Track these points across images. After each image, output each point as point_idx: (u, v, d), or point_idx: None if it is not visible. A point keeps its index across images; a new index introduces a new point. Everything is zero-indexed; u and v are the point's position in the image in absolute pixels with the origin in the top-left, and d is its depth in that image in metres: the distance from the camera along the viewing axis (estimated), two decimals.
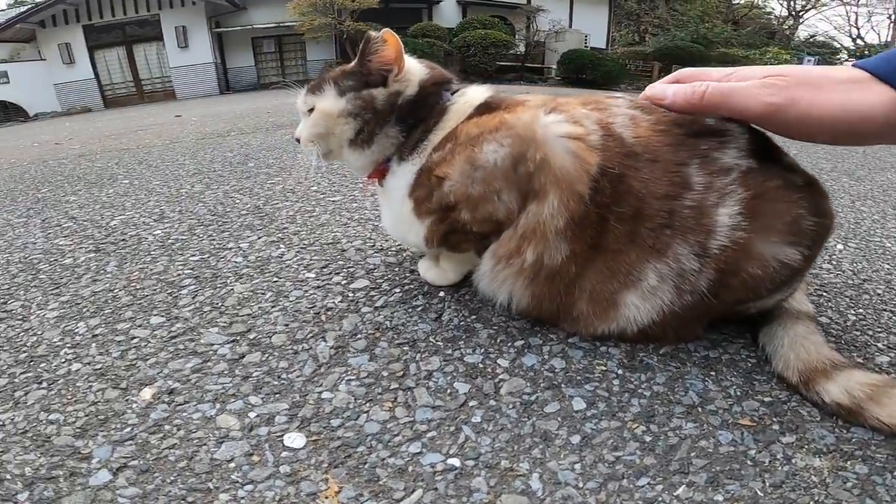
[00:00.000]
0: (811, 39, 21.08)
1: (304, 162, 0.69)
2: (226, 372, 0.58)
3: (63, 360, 0.61)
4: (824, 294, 0.77)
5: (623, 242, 0.54)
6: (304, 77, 13.04)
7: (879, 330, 0.67)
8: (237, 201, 1.23)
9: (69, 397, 0.54)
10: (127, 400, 0.54)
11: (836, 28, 23.86)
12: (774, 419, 0.50)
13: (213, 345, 0.62)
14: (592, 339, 0.61)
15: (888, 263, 0.91)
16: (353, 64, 0.65)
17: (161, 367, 0.59)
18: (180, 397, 0.54)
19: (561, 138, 0.54)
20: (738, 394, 0.53)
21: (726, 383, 0.55)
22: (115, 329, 0.67)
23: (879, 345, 0.63)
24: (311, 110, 0.66)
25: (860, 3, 19.56)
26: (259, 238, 0.95)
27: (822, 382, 0.50)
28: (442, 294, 0.71)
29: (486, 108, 0.62)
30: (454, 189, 0.58)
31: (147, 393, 0.55)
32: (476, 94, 0.66)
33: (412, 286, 0.73)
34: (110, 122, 5.30)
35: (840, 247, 0.98)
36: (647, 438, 0.48)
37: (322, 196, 1.23)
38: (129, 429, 0.50)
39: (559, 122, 0.55)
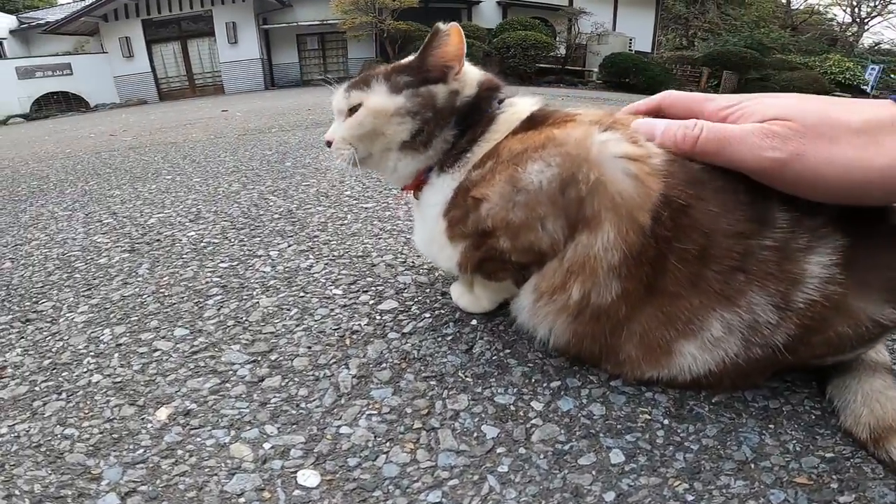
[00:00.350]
0: (876, 47, 19.88)
1: (338, 165, 0.63)
2: (244, 395, 0.56)
3: (85, 369, 0.61)
4: None
5: (684, 286, 0.47)
6: (345, 74, 13.47)
7: None
8: (271, 203, 1.23)
9: (86, 411, 0.54)
10: (143, 419, 0.53)
11: None
12: (834, 476, 0.45)
13: (233, 364, 0.61)
14: (637, 384, 0.55)
15: None
16: (411, 58, 0.60)
17: (180, 384, 0.58)
18: (196, 420, 0.52)
19: (619, 159, 0.48)
20: (798, 449, 0.48)
21: (785, 437, 0.49)
22: (139, 339, 0.67)
23: None
24: (353, 109, 0.61)
25: None
26: (289, 246, 0.94)
27: (894, 441, 0.45)
28: (474, 322, 0.67)
29: (533, 121, 0.57)
30: (493, 213, 0.52)
31: (163, 413, 0.53)
32: (524, 105, 0.60)
33: (443, 311, 0.69)
34: (163, 115, 5.56)
35: None
36: (689, 497, 0.43)
37: (355, 202, 1.22)
38: (141, 451, 0.48)
39: (617, 140, 0.49)
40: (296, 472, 0.46)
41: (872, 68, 12.97)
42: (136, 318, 0.72)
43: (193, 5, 12.38)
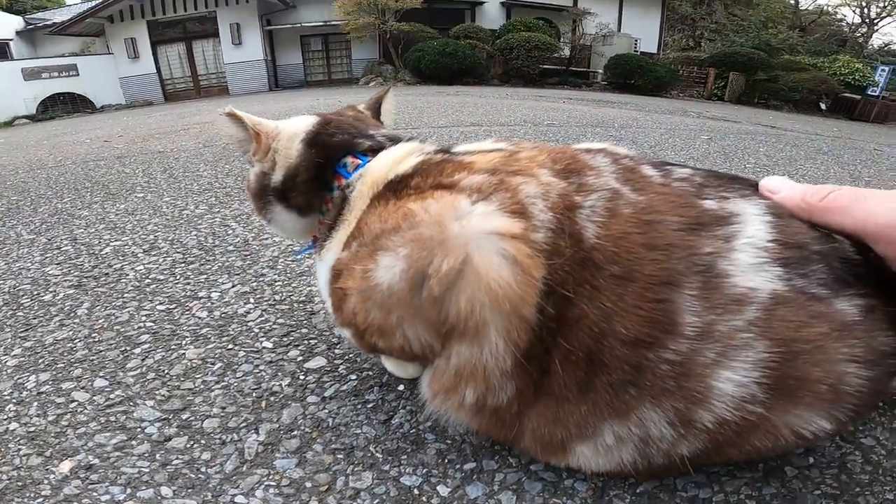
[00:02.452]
0: (886, 48, 20.17)
1: None
2: (146, 454, 0.59)
3: (5, 416, 0.65)
4: (884, 408, 0.65)
5: (572, 390, 0.44)
6: (349, 76, 13.84)
7: None
8: (229, 232, 1.28)
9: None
10: (47, 469, 0.56)
11: None
12: None
13: (143, 421, 0.64)
14: (557, 470, 0.55)
15: None
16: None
17: (87, 438, 0.61)
18: (95, 475, 0.56)
19: (491, 238, 0.41)
20: None
21: None
22: (60, 389, 0.70)
23: None
24: None
25: None
26: (233, 286, 0.97)
27: None
28: (401, 388, 0.68)
29: (403, 182, 0.51)
30: (357, 311, 0.48)
31: (66, 466, 0.57)
32: (386, 161, 0.54)
33: (371, 373, 0.71)
34: (162, 118, 5.77)
35: None
36: None
37: None
38: (41, 499, 0.52)
39: (488, 214, 0.43)
40: None
41: (882, 69, 12.98)
42: (63, 364, 0.76)
43: (198, 6, 12.96)
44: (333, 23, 12.57)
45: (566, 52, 12.92)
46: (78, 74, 12.88)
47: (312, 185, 0.59)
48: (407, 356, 0.51)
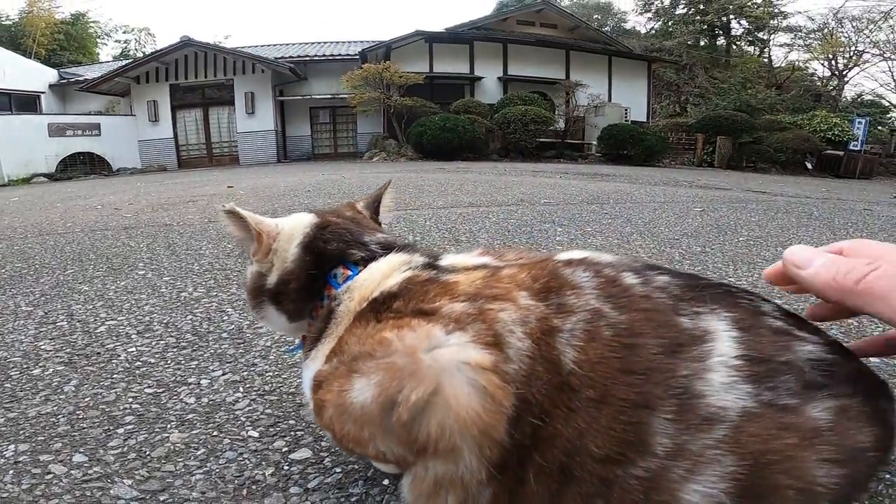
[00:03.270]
0: (859, 99, 21.59)
1: None
2: None
3: None
4: None
5: (544, 499, 0.46)
6: (355, 149, 14.54)
7: None
8: (224, 318, 1.30)
9: None
10: None
11: (882, 85, 23.34)
12: None
13: (119, 499, 0.64)
14: None
15: None
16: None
17: None
18: None
19: (463, 369, 0.44)
20: None
21: None
22: (38, 460, 0.71)
23: None
24: None
25: None
26: (223, 374, 0.98)
27: None
28: (386, 482, 0.68)
29: (386, 302, 0.54)
30: (333, 422, 0.51)
31: None
32: (374, 276, 0.58)
33: (357, 467, 0.70)
34: (172, 187, 6.02)
35: None
36: None
37: None
38: None
39: (462, 346, 0.45)
40: None
41: (859, 122, 13.62)
42: (43, 438, 0.77)
43: (217, 73, 13.93)
44: (341, 96, 13.50)
45: (561, 124, 13.71)
46: (100, 134, 13.44)
47: (303, 293, 0.62)
48: (384, 462, 0.53)
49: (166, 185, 6.56)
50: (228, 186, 5.51)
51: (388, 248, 0.63)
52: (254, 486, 0.67)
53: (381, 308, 0.53)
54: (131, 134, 13.78)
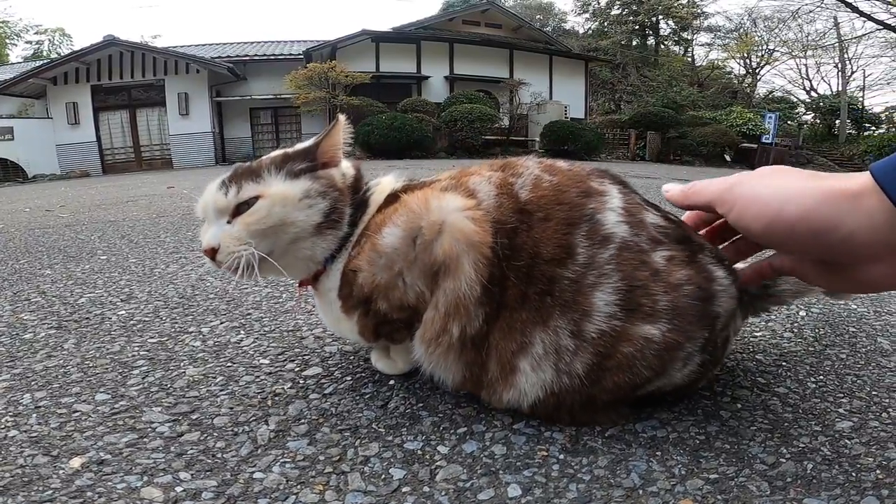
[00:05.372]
0: (770, 95, 23.92)
1: (231, 274, 0.71)
2: (160, 448, 0.65)
3: (2, 426, 0.70)
4: (784, 363, 0.85)
5: (518, 300, 0.64)
6: None
7: (841, 395, 0.75)
8: (207, 284, 1.37)
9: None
10: (55, 466, 0.61)
11: (790, 82, 27.16)
12: (719, 497, 0.55)
13: (153, 423, 0.71)
14: (537, 425, 0.68)
15: (853, 326, 1.00)
16: (305, 145, 0.74)
17: (97, 439, 0.67)
18: (109, 468, 0.61)
19: (457, 210, 0.64)
20: (683, 473, 0.59)
21: (671, 462, 0.60)
22: (60, 402, 0.76)
23: (840, 410, 0.71)
24: (243, 204, 0.68)
25: (808, 55, 22.43)
26: (221, 323, 1.06)
27: None
28: (392, 382, 0.79)
29: (395, 195, 0.73)
30: (365, 280, 0.67)
31: (76, 462, 0.62)
32: (387, 183, 0.77)
33: (364, 374, 0.82)
34: (104, 190, 5.75)
35: (802, 313, 1.09)
36: None
37: (292, 282, 1.36)
38: (50, 492, 0.57)
39: (452, 197, 0.66)
40: None
41: (770, 117, 14.97)
42: (58, 385, 0.81)
43: (146, 73, 13.29)
44: (284, 96, 13.30)
45: (506, 121, 14.33)
46: (13, 139, 12.47)
47: (359, 185, 0.78)
48: (403, 313, 0.68)
49: (97, 188, 6.26)
50: (169, 187, 5.38)
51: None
52: (276, 398, 0.76)
53: (393, 198, 0.72)
54: (48, 137, 12.91)
